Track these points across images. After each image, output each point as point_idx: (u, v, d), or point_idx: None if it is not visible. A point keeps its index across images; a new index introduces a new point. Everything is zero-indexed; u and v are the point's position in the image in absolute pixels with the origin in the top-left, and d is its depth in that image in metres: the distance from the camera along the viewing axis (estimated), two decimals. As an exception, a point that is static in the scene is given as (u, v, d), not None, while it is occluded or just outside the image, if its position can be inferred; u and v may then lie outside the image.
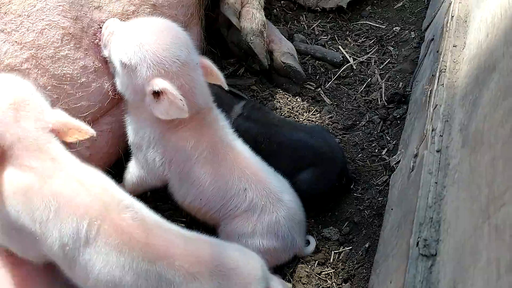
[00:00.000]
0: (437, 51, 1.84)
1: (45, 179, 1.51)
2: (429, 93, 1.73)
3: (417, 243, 1.34)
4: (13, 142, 1.53)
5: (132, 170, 2.06)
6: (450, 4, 2.00)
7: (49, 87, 1.84)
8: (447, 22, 1.90)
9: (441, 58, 1.78)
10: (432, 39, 2.05)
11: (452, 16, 1.92)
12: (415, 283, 1.28)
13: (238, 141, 2.02)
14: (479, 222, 1.15)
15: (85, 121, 1.78)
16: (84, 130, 1.65)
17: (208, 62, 1.95)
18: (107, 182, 1.62)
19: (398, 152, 1.90)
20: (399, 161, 1.84)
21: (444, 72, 1.73)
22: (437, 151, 1.53)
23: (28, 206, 1.50)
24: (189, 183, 1.96)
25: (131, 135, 1.99)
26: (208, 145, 1.92)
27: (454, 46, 1.82)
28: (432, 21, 2.27)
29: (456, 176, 1.39)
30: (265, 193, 1.96)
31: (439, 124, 1.60)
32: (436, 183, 1.46)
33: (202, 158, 1.92)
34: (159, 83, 1.76)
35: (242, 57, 2.54)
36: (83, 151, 1.92)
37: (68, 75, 1.89)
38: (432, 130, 1.58)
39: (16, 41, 1.81)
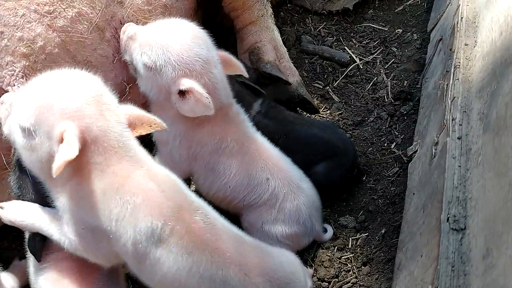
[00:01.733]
0: (450, 49, 2.02)
1: (124, 178, 1.52)
2: (445, 87, 1.91)
3: (447, 219, 1.51)
4: (97, 137, 1.51)
5: None
6: (458, 6, 2.19)
7: None
8: (457, 23, 2.09)
9: (455, 56, 1.96)
10: (441, 39, 2.24)
11: (461, 18, 2.11)
12: (448, 254, 1.44)
13: (258, 134, 2.15)
14: (510, 195, 1.32)
15: None
16: (157, 123, 1.68)
17: (226, 54, 2.06)
18: (178, 181, 1.68)
19: (414, 143, 2.07)
20: (416, 150, 2.01)
21: (458, 68, 1.91)
22: (458, 138, 1.70)
23: (106, 204, 1.51)
24: (214, 175, 2.08)
25: (157, 133, 2.09)
26: (232, 139, 2.05)
27: (466, 44, 2.01)
28: (437, 23, 2.45)
29: (480, 159, 1.56)
30: (286, 182, 2.10)
31: (458, 114, 1.77)
32: (460, 166, 1.63)
33: (227, 151, 2.05)
34: (186, 83, 1.87)
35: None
36: None
37: (91, 64, 2.00)
38: (452, 120, 1.75)
39: (48, 24, 1.91)
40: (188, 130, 2.03)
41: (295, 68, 2.63)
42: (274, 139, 2.23)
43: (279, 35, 2.69)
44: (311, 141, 2.30)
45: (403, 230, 1.87)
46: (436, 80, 2.12)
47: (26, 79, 1.83)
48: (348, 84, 2.82)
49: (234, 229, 1.74)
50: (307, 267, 2.16)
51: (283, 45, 2.68)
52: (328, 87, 2.82)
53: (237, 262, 1.63)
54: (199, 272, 1.58)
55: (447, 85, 1.91)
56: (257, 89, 2.35)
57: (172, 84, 1.91)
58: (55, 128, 1.49)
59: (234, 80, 2.21)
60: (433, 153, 1.78)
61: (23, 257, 1.85)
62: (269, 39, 2.60)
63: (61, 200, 1.58)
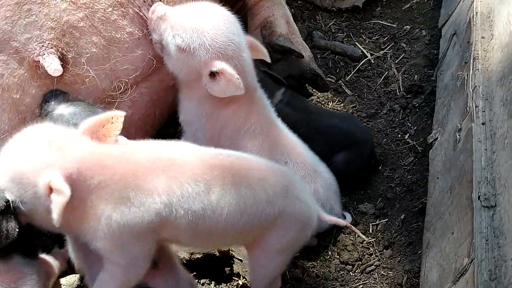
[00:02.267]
0: (468, 42, 2.14)
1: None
2: (465, 77, 2.02)
3: (478, 197, 1.62)
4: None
5: None
6: (472, 2, 2.32)
7: (101, 46, 2.04)
8: (472, 17, 2.21)
9: (473, 48, 2.08)
10: (455, 33, 2.36)
11: (476, 13, 2.23)
12: (482, 229, 1.55)
13: (279, 119, 2.23)
14: (541, 171, 1.43)
15: (127, 84, 2.08)
16: (114, 115, 1.66)
17: (252, 38, 2.15)
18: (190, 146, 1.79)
19: (434, 131, 2.18)
20: (437, 138, 2.12)
21: (477, 59, 2.03)
22: (482, 124, 1.82)
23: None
24: None
25: (183, 113, 2.17)
26: (255, 121, 2.12)
27: (482, 37, 2.13)
28: (448, 19, 2.58)
29: (506, 142, 1.67)
30: (304, 166, 2.18)
31: (480, 102, 1.89)
32: (486, 149, 1.74)
33: (250, 132, 2.12)
34: (218, 65, 1.95)
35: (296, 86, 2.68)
36: (125, 109, 2.07)
37: (116, 39, 2.07)
38: (476, 107, 1.86)
39: (72, 1, 1.98)
40: (214, 110, 2.10)
41: (306, 45, 2.70)
42: (295, 128, 2.30)
43: (290, 13, 2.75)
44: (331, 131, 2.40)
45: (429, 212, 1.98)
46: (453, 72, 2.24)
47: (55, 49, 1.93)
48: (360, 78, 2.92)
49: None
50: (328, 252, 2.26)
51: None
52: (340, 81, 2.92)
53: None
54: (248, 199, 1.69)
55: (467, 75, 2.03)
56: (279, 79, 2.44)
57: (203, 66, 1.98)
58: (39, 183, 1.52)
59: (258, 68, 2.30)
60: (458, 139, 1.89)
61: (62, 245, 1.91)
62: (281, 14, 2.66)
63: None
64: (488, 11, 2.23)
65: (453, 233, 1.68)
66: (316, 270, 2.21)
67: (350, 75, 2.93)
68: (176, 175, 1.63)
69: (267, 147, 2.14)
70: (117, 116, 1.66)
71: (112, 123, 1.67)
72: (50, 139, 1.58)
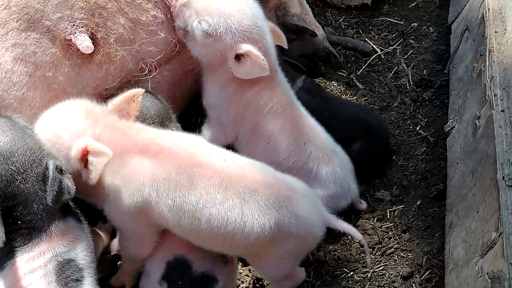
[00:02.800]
0: (482, 36, 2.27)
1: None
2: (482, 68, 2.15)
3: (503, 177, 1.74)
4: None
5: (205, 131, 2.30)
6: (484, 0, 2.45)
7: (128, 28, 2.11)
8: (485, 13, 2.34)
9: (488, 41, 2.21)
10: (466, 29, 2.49)
11: (489, 9, 2.36)
12: (508, 205, 1.67)
13: (298, 102, 2.31)
14: None
15: (152, 65, 2.16)
16: (135, 92, 1.87)
17: (271, 23, 2.25)
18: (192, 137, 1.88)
19: (450, 120, 2.31)
20: (454, 126, 2.25)
21: (493, 51, 2.16)
22: (502, 111, 1.94)
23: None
24: (257, 137, 2.24)
25: (207, 96, 2.25)
26: (277, 101, 2.21)
27: (496, 32, 2.26)
28: (458, 15, 2.71)
29: (525, 126, 1.80)
30: (321, 146, 2.27)
31: (498, 91, 2.01)
32: (506, 134, 1.87)
33: (271, 113, 2.21)
34: (244, 47, 2.04)
35: (310, 65, 2.79)
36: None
37: (142, 21, 2.15)
38: (494, 96, 1.99)
39: None
40: (237, 93, 2.18)
41: (319, 24, 2.81)
42: (314, 115, 2.36)
43: None
44: (349, 120, 2.50)
45: (450, 195, 2.09)
46: (467, 65, 2.36)
47: (85, 29, 2.00)
48: (370, 73, 3.04)
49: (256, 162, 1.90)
50: (348, 236, 2.36)
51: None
52: (352, 75, 3.03)
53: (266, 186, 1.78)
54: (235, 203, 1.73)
55: (483, 66, 2.15)
56: (299, 66, 2.53)
57: (229, 50, 2.06)
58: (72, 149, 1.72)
59: (279, 56, 2.39)
60: (477, 126, 2.01)
61: (105, 220, 1.98)
62: None
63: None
64: (500, 8, 2.36)
65: (478, 212, 1.80)
66: (338, 253, 2.30)
67: (361, 70, 3.04)
68: (162, 163, 1.74)
69: (287, 127, 2.23)
70: (138, 94, 1.85)
71: (133, 101, 1.84)
72: (86, 110, 1.79)
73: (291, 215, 1.81)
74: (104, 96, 2.08)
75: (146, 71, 2.19)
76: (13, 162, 1.58)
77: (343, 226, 1.98)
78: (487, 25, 2.29)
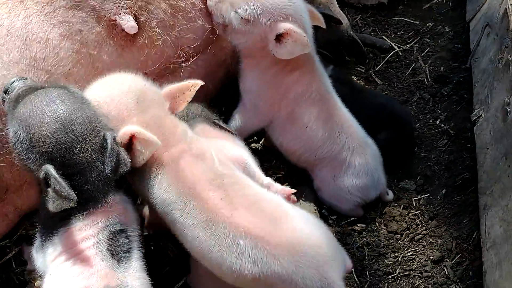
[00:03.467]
0: (507, 29, 2.36)
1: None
2: (509, 58, 2.24)
3: (538, 158, 1.81)
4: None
5: (239, 116, 2.36)
6: (503, -2, 2.55)
7: (168, 13, 2.16)
8: (508, 8, 2.44)
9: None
10: (487, 25, 2.59)
11: (510, 4, 2.46)
12: (547, 184, 1.74)
13: (333, 90, 2.37)
14: None
15: (189, 53, 2.21)
16: (193, 83, 1.89)
17: (308, 4, 2.29)
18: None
19: (476, 110, 2.39)
20: (480, 115, 2.33)
21: (518, 43, 2.25)
22: (530, 98, 2.03)
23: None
24: (293, 123, 2.30)
25: (244, 81, 2.30)
26: (316, 88, 2.27)
27: (519, 25, 2.36)
28: (476, 14, 2.81)
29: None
30: (355, 137, 2.33)
31: (526, 79, 2.10)
32: (538, 119, 1.95)
33: (309, 100, 2.26)
34: (283, 26, 2.08)
35: (333, 53, 2.86)
36: (184, 78, 2.14)
37: (181, 7, 2.20)
38: (523, 83, 2.08)
39: None
40: (277, 78, 2.23)
41: (343, 13, 2.89)
42: (343, 103, 2.43)
43: None
44: (377, 109, 2.57)
45: (482, 178, 2.16)
46: (491, 57, 2.46)
47: (130, 11, 2.05)
48: (388, 69, 3.12)
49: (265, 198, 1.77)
50: (375, 223, 2.41)
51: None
52: (370, 71, 3.11)
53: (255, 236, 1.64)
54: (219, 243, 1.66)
55: (510, 57, 2.24)
56: (328, 56, 2.59)
57: (269, 32, 2.11)
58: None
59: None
60: (508, 111, 2.09)
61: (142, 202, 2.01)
62: None
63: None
64: (521, 4, 2.46)
65: (515, 192, 1.87)
66: (366, 239, 2.35)
67: (379, 66, 3.13)
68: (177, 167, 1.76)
69: (323, 116, 2.29)
70: (196, 85, 1.88)
71: (190, 90, 1.88)
72: (140, 95, 1.79)
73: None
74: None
75: (183, 58, 2.24)
76: (73, 131, 1.61)
77: None
78: (510, 19, 2.38)
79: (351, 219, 2.41)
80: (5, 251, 2.08)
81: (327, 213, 2.44)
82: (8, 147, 1.75)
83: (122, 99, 1.78)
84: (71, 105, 1.64)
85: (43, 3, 1.91)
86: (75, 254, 1.62)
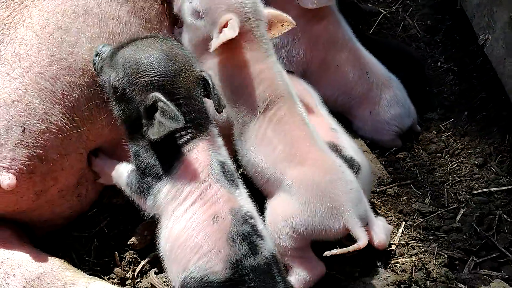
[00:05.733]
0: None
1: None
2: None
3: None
4: (249, 31, 1.95)
5: None
6: None
7: None
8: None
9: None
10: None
11: None
12: None
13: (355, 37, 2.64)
14: None
15: None
16: (288, 21, 2.06)
17: None
18: None
19: (482, 35, 2.73)
20: (487, 38, 2.67)
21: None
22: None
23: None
24: (326, 70, 2.55)
25: (278, 37, 2.50)
26: (341, 35, 2.55)
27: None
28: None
29: None
30: (381, 74, 2.62)
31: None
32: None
33: (338, 45, 2.54)
34: None
35: None
36: None
37: None
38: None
39: None
40: (306, 28, 2.47)
41: None
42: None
43: None
44: (393, 51, 2.88)
45: (508, 83, 2.48)
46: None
47: None
48: (381, 30, 3.45)
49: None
50: (414, 149, 2.67)
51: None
52: (366, 34, 3.42)
53: None
54: None
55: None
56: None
57: None
58: (221, 17, 1.92)
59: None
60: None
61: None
62: None
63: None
64: None
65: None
66: (412, 162, 2.60)
67: (372, 28, 3.45)
68: None
69: (351, 59, 2.56)
70: (290, 24, 2.06)
71: (282, 25, 2.06)
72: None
73: None
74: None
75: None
76: (177, 61, 1.76)
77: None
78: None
79: (393, 149, 2.66)
80: (94, 220, 2.15)
81: (370, 149, 2.67)
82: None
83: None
84: (171, 43, 1.82)
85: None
86: (196, 185, 1.71)
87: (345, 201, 1.80)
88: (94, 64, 1.89)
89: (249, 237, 1.68)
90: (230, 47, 1.93)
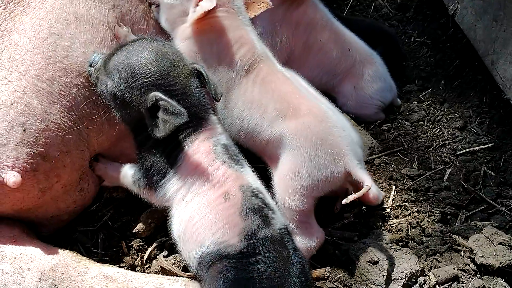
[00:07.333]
0: None
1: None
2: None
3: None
4: (224, 2, 2.07)
5: None
6: None
7: None
8: None
9: None
10: None
11: None
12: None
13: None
14: None
15: None
16: (265, 2, 2.20)
17: None
18: None
19: (451, 7, 2.88)
20: (457, 8, 2.82)
21: None
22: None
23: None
24: (309, 51, 2.67)
25: (259, 26, 2.56)
26: (320, 16, 2.67)
27: None
28: None
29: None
30: (363, 51, 2.75)
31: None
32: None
33: (318, 27, 2.65)
34: None
35: None
36: None
37: None
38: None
39: None
40: (287, 14, 2.59)
41: None
42: None
43: None
44: (369, 28, 3.00)
45: (479, 47, 2.61)
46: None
47: None
48: (354, 12, 3.59)
49: None
50: (397, 118, 2.80)
51: None
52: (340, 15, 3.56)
53: None
54: None
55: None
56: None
57: None
58: None
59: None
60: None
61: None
62: None
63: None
64: None
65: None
66: (396, 132, 2.73)
67: (345, 12, 3.59)
68: None
69: (333, 38, 2.68)
70: (266, 4, 2.19)
71: (259, 5, 2.18)
72: None
73: None
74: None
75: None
76: (168, 58, 1.85)
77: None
78: None
79: (377, 122, 2.78)
80: (97, 214, 2.23)
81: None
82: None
83: None
84: (159, 42, 1.90)
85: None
86: (202, 170, 1.80)
87: (344, 146, 1.92)
88: (90, 76, 1.96)
89: (260, 210, 1.77)
90: (208, 17, 2.03)
